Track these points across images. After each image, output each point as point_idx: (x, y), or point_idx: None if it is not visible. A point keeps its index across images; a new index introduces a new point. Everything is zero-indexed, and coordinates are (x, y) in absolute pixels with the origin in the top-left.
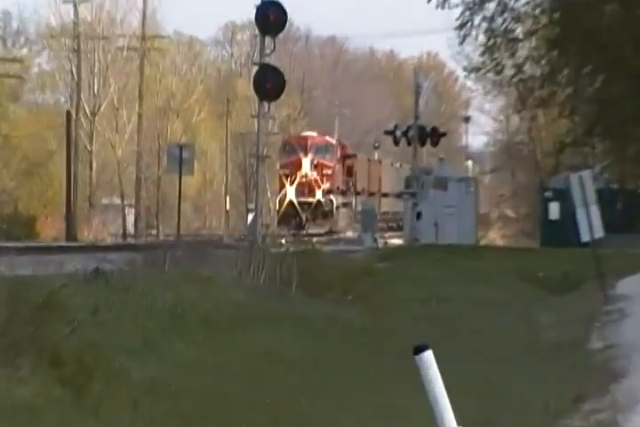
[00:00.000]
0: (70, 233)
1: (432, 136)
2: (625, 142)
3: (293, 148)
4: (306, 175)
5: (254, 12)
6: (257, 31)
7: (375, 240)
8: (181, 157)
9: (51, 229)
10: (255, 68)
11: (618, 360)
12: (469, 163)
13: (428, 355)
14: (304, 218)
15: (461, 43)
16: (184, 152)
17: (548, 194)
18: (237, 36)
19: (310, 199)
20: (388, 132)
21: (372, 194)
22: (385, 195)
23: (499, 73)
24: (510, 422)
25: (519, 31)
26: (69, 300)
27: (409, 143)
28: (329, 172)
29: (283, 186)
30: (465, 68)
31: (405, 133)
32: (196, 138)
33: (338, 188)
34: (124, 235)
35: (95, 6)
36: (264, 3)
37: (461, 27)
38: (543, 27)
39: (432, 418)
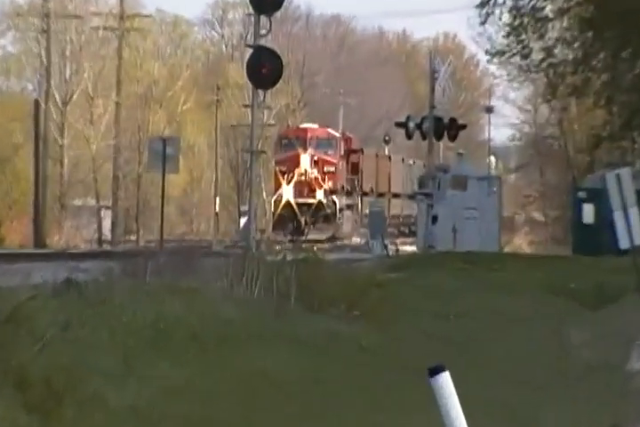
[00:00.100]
0: (39, 239)
1: (450, 129)
2: None
3: (291, 141)
4: (305, 173)
5: None
6: (251, 9)
7: (385, 247)
8: (165, 153)
9: (16, 234)
10: (249, 52)
11: None
12: (492, 159)
13: (445, 377)
14: (303, 222)
15: (483, 22)
16: (168, 147)
17: (582, 195)
18: (229, 15)
19: (310, 200)
20: (399, 125)
21: (380, 195)
22: (396, 195)
23: (525, 57)
24: None
25: (549, 9)
26: (37, 314)
27: (423, 137)
28: (331, 169)
29: (279, 185)
30: (487, 52)
31: (419, 126)
32: (181, 131)
33: (342, 187)
34: (100, 241)
35: None
36: None
37: (483, 4)
38: (576, 4)
39: None
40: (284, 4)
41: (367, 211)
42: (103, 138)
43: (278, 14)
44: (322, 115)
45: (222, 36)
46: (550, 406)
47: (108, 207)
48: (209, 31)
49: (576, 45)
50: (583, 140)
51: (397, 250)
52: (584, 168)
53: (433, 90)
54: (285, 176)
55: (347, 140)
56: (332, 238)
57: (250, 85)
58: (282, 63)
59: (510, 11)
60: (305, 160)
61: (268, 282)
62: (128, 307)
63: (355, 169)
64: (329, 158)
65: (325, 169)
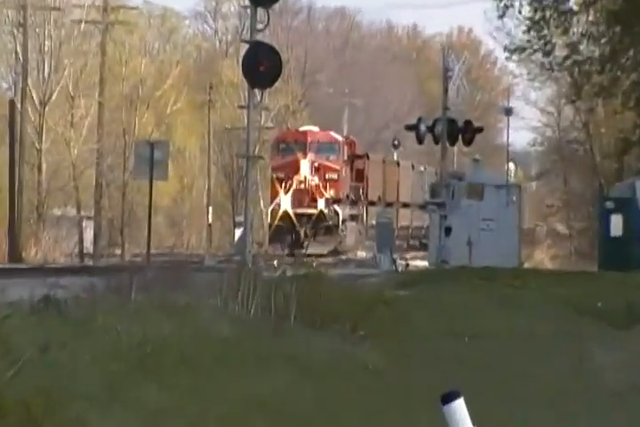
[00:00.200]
0: (14, 252)
1: (465, 132)
2: None
3: (289, 146)
4: (305, 180)
5: None
6: (247, 1)
7: (393, 262)
8: (152, 158)
9: None
10: (245, 47)
11: None
12: (511, 165)
13: (459, 404)
14: (302, 234)
15: (501, 16)
16: (156, 151)
17: (609, 204)
18: (222, 8)
19: (310, 210)
20: (409, 128)
21: (388, 204)
22: (405, 205)
23: (548, 54)
24: None
25: (573, 2)
26: (13, 334)
27: (436, 141)
28: (334, 176)
29: (276, 194)
30: (506, 48)
31: (431, 129)
32: (170, 134)
33: (346, 196)
34: (81, 254)
35: None
36: None
37: None
38: None
39: None
40: None
41: (373, 222)
42: (85, 142)
43: (277, 6)
44: (324, 117)
45: (216, 31)
46: None
47: (90, 218)
48: (201, 25)
49: (603, 41)
50: (611, 145)
51: (407, 265)
52: (612, 175)
53: (446, 90)
54: (283, 184)
55: (350, 144)
56: (335, 252)
57: (246, 84)
58: (281, 60)
59: (531, 3)
60: (305, 166)
61: (266, 299)
62: (112, 326)
63: (359, 176)
64: (331, 164)
65: (327, 176)
